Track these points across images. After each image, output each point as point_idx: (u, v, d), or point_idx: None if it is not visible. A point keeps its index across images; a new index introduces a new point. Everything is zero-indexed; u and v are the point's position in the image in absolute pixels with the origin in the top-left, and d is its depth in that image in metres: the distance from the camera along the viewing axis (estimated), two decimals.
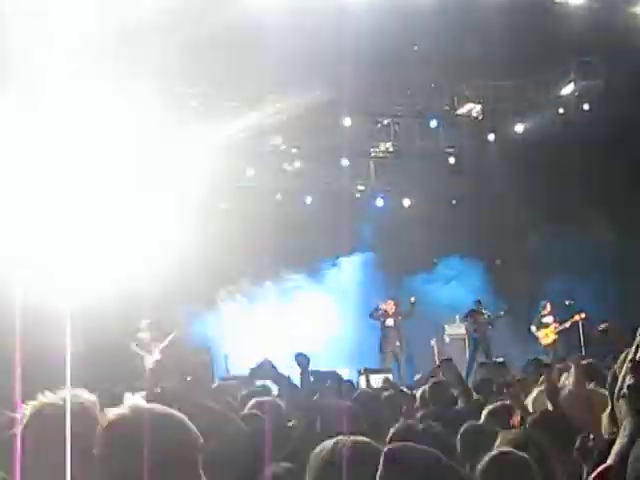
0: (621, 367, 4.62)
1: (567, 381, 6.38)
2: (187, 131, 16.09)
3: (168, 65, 14.03)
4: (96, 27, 12.08)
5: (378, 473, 2.38)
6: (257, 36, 12.75)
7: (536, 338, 17.02)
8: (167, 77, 14.86)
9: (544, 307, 17.02)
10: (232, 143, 16.69)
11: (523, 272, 18.53)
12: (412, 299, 16.75)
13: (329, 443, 2.63)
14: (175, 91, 15.82)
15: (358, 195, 19.76)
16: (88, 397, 2.76)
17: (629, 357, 4.55)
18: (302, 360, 5.73)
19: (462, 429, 4.59)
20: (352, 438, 2.63)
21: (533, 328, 17.08)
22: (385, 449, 2.46)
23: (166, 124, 15.52)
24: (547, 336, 16.93)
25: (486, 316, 16.59)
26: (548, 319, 17.03)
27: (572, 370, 6.23)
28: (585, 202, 17.04)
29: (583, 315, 16.32)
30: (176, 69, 14.56)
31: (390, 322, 16.67)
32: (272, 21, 12.11)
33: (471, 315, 16.70)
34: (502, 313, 16.67)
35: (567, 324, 16.65)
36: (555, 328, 16.90)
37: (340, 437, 2.65)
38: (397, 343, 16.57)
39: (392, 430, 4.49)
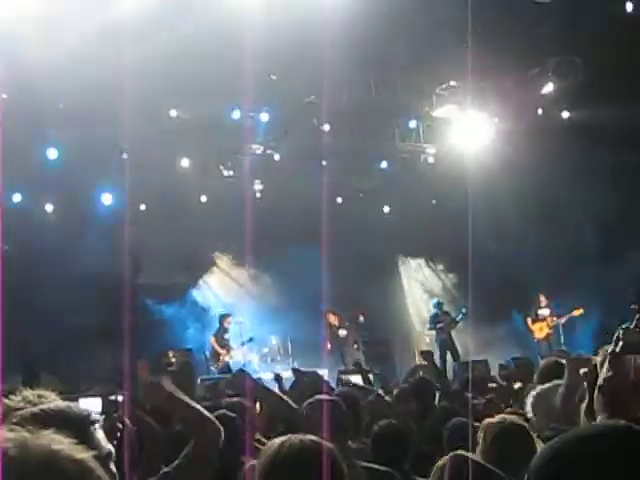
0: (603, 361, 4.49)
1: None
2: None
3: None
4: None
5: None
6: None
7: (530, 332, 16.53)
8: None
9: (539, 299, 16.49)
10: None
11: None
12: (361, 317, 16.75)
13: (276, 441, 2.57)
14: None
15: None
16: None
17: (609, 350, 4.41)
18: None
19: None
20: (300, 437, 2.56)
21: (529, 321, 16.58)
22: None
23: None
24: (541, 330, 16.39)
25: (449, 318, 16.46)
26: (544, 312, 16.49)
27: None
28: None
29: (582, 310, 15.78)
30: None
31: (343, 332, 16.45)
32: None
33: (436, 319, 16.52)
34: (463, 312, 16.26)
35: (563, 319, 16.15)
36: (551, 321, 16.35)
37: (290, 436, 2.59)
38: (355, 346, 16.34)
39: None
